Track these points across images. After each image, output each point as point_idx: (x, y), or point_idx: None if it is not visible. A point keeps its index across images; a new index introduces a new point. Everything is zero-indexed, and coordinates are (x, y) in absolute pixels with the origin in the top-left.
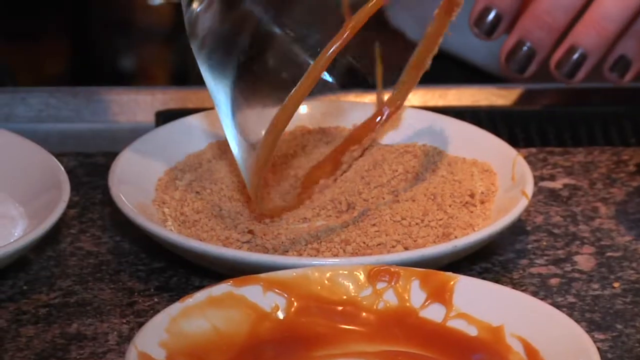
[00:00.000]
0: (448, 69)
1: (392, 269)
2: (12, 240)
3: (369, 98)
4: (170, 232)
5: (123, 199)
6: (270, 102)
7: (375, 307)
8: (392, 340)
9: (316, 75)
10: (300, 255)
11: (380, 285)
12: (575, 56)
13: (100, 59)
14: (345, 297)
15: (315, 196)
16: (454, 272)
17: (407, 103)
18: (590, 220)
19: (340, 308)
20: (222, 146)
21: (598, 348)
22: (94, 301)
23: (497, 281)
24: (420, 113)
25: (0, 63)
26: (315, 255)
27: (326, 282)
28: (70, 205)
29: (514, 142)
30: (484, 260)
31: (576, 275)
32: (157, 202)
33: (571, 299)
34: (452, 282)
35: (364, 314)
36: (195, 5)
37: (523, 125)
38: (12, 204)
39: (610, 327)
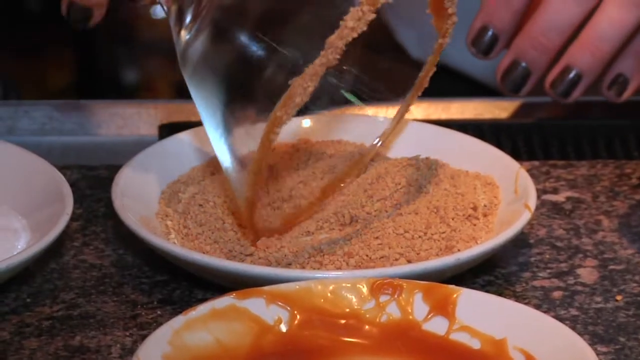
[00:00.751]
0: (451, 83)
1: (395, 282)
2: (15, 253)
3: (372, 111)
4: (173, 245)
5: (126, 211)
6: (262, 122)
7: (378, 319)
8: (395, 353)
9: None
10: (303, 268)
11: (383, 298)
12: (570, 76)
13: (104, 73)
14: (348, 310)
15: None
16: (457, 284)
17: (410, 116)
18: (593, 233)
19: (343, 321)
20: None
21: None
22: (97, 314)
23: (500, 294)
24: (423, 126)
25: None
26: (318, 268)
27: (329, 295)
28: (74, 218)
29: (517, 155)
30: (486, 273)
31: (579, 288)
32: (160, 215)
33: (574, 311)
34: (455, 295)
35: (366, 326)
36: (183, 33)
37: (526, 138)
38: (15, 217)
39: (613, 340)
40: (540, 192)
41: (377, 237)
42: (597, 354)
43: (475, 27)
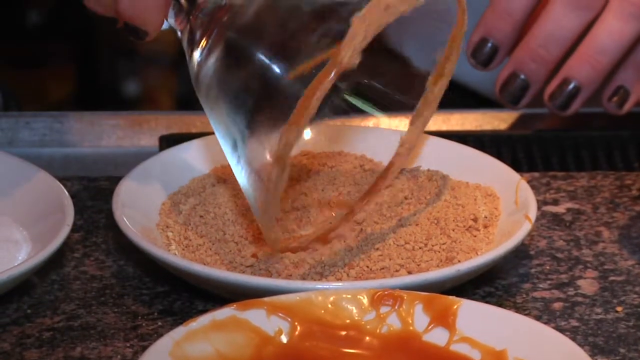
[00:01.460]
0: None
1: (396, 293)
2: (16, 264)
3: (373, 122)
4: (174, 256)
5: (127, 223)
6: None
7: (378, 331)
8: None
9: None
10: (304, 279)
11: (383, 309)
12: (569, 88)
13: (105, 84)
14: (348, 321)
15: (318, 219)
16: (457, 296)
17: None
18: (594, 244)
19: (343, 332)
20: (225, 170)
21: None
22: (97, 325)
23: (500, 305)
24: (423, 138)
25: (5, 88)
26: (319, 279)
27: (330, 306)
28: (74, 229)
29: (517, 166)
30: (487, 284)
31: (579, 299)
32: (160, 226)
33: (574, 323)
34: (455, 306)
35: (367, 338)
36: (196, 55)
37: (526, 149)
38: (16, 228)
39: (613, 351)
40: (541, 204)
41: (377, 248)
42: None
43: (474, 39)
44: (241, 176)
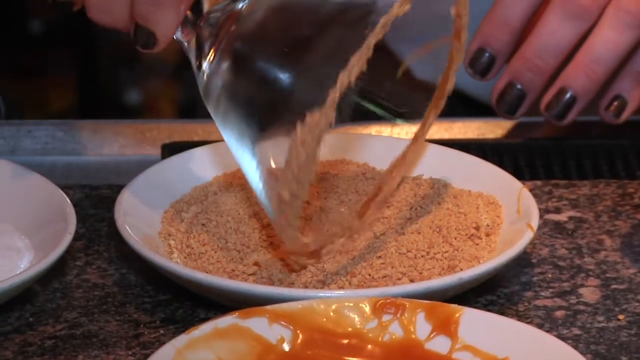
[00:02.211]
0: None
1: (398, 301)
2: (18, 272)
3: (376, 129)
4: (176, 265)
5: (129, 231)
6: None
7: (380, 339)
8: None
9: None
10: (306, 287)
11: (385, 318)
12: (565, 98)
13: (107, 93)
14: (350, 329)
15: (323, 229)
16: (459, 304)
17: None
18: (596, 252)
19: (345, 340)
20: (228, 178)
21: None
22: (99, 333)
23: (502, 313)
24: (425, 146)
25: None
26: (321, 288)
27: (332, 314)
28: (76, 237)
29: (519, 174)
30: (489, 292)
31: (581, 307)
32: (163, 235)
33: (576, 331)
34: (457, 314)
35: (369, 346)
36: (204, 66)
37: (528, 158)
38: (18, 236)
39: (615, 359)
40: (543, 212)
41: (379, 257)
42: None
43: (472, 49)
44: (257, 183)
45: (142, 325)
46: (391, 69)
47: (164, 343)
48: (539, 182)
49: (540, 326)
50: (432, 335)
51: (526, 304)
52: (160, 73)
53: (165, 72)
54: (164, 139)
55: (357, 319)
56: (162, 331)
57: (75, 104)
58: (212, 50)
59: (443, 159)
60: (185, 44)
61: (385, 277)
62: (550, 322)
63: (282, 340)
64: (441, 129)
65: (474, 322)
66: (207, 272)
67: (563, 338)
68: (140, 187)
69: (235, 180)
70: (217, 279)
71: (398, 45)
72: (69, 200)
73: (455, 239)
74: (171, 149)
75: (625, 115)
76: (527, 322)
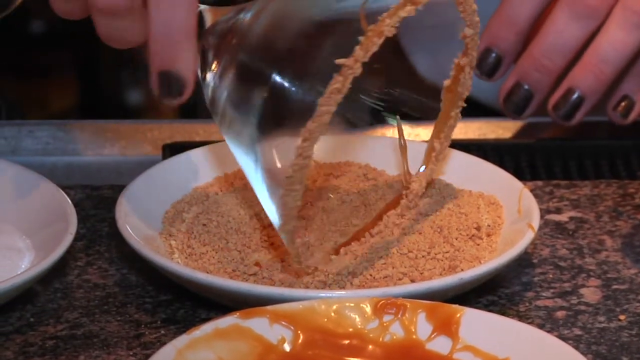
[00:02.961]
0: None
1: (399, 302)
2: (19, 272)
3: (379, 132)
4: (177, 265)
5: (130, 231)
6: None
7: (381, 339)
8: None
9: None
10: (307, 287)
11: (386, 318)
12: (573, 98)
13: (108, 93)
14: (351, 329)
15: (324, 228)
16: (460, 304)
17: (411, 138)
18: (597, 253)
19: (346, 341)
20: (229, 179)
21: None
22: (100, 333)
23: (503, 314)
24: (426, 147)
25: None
26: (322, 288)
27: (332, 314)
28: (77, 237)
29: (520, 175)
30: (490, 292)
31: (582, 307)
32: (164, 235)
33: (577, 331)
34: (458, 315)
35: (370, 346)
36: (209, 79)
37: (529, 158)
38: (19, 237)
39: None
40: (544, 212)
41: (380, 257)
42: None
43: (478, 49)
44: (263, 194)
45: (143, 326)
46: (406, 73)
47: (164, 343)
48: (539, 183)
49: (541, 326)
50: (433, 335)
51: (527, 304)
52: None
53: None
54: (165, 139)
55: (358, 319)
56: (163, 331)
57: (76, 104)
58: (215, 63)
59: (444, 159)
60: None
61: (386, 277)
62: (551, 322)
63: (283, 341)
64: None
65: (474, 322)
66: (208, 273)
67: (564, 338)
68: (141, 188)
69: (237, 181)
70: (218, 279)
71: (412, 50)
72: (69, 201)
73: (456, 239)
74: (172, 150)
75: (633, 116)
76: (528, 323)
